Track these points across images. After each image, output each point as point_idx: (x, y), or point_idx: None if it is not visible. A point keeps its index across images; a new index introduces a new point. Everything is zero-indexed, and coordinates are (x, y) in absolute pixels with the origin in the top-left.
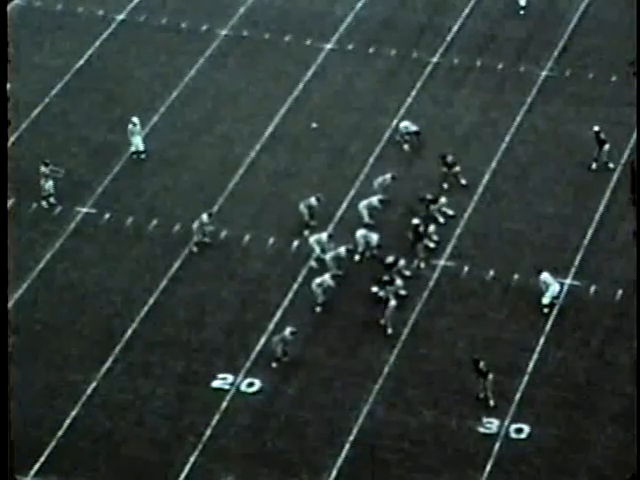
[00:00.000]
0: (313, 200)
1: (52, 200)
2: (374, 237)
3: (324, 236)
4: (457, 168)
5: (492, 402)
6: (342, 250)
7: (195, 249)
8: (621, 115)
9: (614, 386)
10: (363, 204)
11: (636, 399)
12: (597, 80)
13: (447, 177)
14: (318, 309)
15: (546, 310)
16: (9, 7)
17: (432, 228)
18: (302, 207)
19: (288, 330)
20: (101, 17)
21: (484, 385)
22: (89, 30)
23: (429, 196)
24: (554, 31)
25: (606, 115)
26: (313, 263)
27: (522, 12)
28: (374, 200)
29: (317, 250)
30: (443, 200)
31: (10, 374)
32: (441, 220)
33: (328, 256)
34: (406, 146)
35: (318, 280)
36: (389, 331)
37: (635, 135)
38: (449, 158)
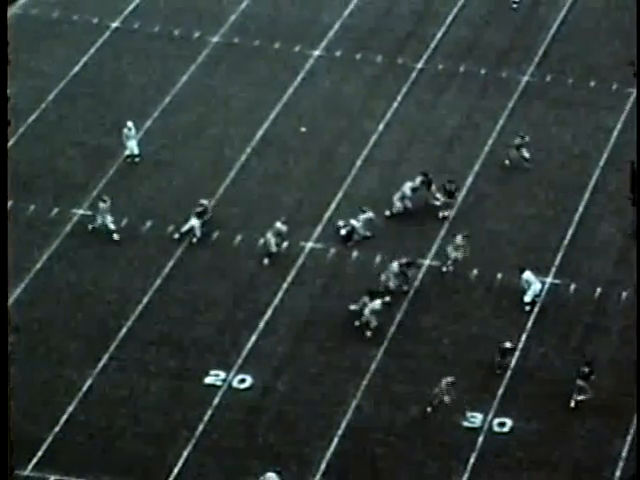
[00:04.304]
0: (279, 225)
1: (116, 237)
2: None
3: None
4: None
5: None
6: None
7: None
8: (600, 120)
9: (594, 380)
10: (397, 196)
11: (636, 398)
12: (576, 85)
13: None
14: (369, 334)
15: (528, 308)
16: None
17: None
18: (269, 236)
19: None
20: (96, 25)
21: (583, 385)
22: (84, 37)
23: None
24: (535, 38)
25: (585, 120)
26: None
27: (515, 6)
28: (406, 188)
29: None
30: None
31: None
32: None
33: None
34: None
35: (370, 306)
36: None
37: (636, 135)
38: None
